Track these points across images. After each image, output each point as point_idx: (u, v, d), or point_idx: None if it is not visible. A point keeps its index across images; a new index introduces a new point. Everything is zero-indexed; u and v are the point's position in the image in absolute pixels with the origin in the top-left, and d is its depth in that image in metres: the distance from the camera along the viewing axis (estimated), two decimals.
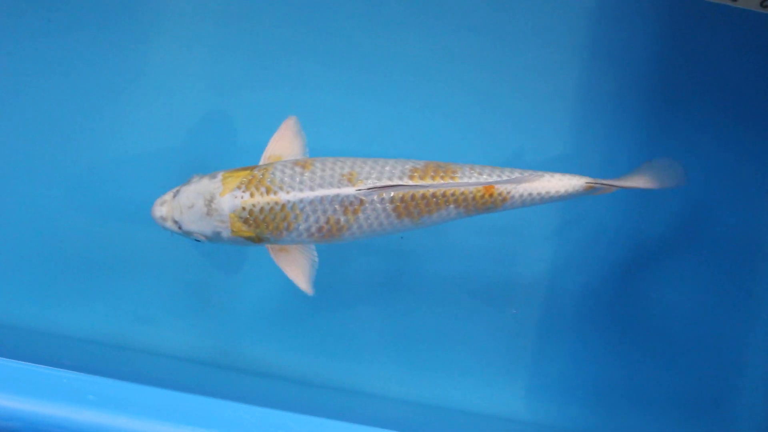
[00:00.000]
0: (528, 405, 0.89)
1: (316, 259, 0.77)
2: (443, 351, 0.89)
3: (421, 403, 0.88)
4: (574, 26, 0.90)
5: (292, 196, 0.72)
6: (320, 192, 0.73)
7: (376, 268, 0.89)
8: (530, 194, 0.76)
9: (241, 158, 0.80)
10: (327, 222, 0.73)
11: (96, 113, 0.87)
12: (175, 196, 0.74)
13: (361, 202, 0.73)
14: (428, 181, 0.74)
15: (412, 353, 0.89)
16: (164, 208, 0.74)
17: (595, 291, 0.90)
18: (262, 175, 0.73)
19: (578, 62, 0.90)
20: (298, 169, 0.73)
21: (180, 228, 0.74)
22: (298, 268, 0.76)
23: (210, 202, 0.73)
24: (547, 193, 0.77)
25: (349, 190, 0.73)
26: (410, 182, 0.73)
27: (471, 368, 0.89)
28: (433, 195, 0.74)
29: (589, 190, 0.77)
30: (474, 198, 0.75)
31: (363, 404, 0.86)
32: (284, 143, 0.77)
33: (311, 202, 0.73)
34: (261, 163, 0.77)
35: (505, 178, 0.75)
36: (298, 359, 0.88)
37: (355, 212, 0.73)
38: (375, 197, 0.73)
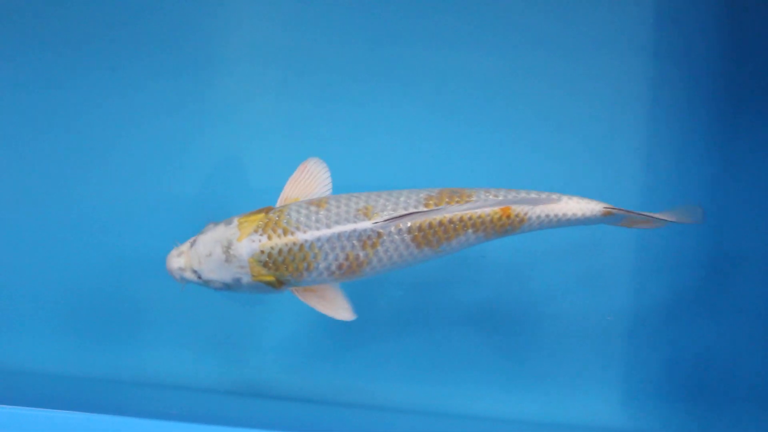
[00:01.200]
0: (623, 412, 0.89)
1: (344, 296, 0.76)
2: (534, 365, 0.89)
3: (516, 420, 0.88)
4: (636, 31, 0.91)
5: (310, 235, 0.72)
6: (337, 229, 0.72)
7: (448, 280, 0.90)
8: (548, 216, 0.76)
9: (256, 203, 0.80)
10: (346, 258, 0.73)
11: (99, 162, 0.90)
12: (192, 245, 0.74)
13: (379, 235, 0.72)
14: (443, 206, 0.73)
15: (486, 371, 0.89)
16: (182, 259, 0.74)
17: (683, 291, 0.89)
18: (278, 216, 0.73)
19: (643, 67, 0.91)
20: (313, 208, 0.73)
21: (200, 278, 0.73)
22: (329, 302, 0.75)
23: (228, 248, 0.72)
24: (564, 215, 0.76)
25: (365, 224, 0.72)
26: (425, 209, 0.73)
27: (562, 379, 0.89)
28: (450, 221, 0.74)
29: (607, 216, 0.77)
30: (492, 221, 0.75)
31: (449, 425, 0.86)
32: (302, 185, 0.77)
33: (329, 239, 0.72)
34: (277, 205, 0.76)
35: (521, 198, 0.75)
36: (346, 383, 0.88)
37: (374, 246, 0.73)
38: (392, 229, 0.73)
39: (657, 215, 0.78)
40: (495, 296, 0.90)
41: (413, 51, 0.91)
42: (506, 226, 0.75)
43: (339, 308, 0.75)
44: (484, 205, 0.74)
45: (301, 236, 0.72)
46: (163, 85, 0.90)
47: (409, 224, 0.73)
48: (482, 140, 0.91)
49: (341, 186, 0.77)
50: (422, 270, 0.86)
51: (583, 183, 0.89)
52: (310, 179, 0.77)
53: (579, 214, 0.76)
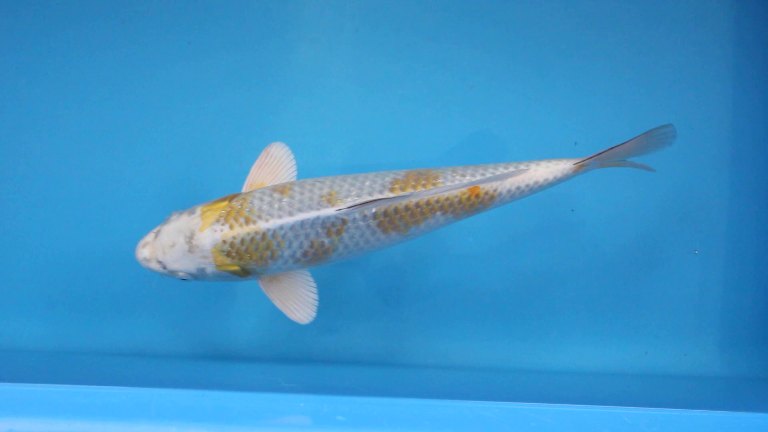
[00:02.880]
0: (720, 358, 0.88)
1: (313, 284, 0.75)
2: (632, 318, 0.89)
3: (614, 373, 0.88)
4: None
5: (272, 223, 0.71)
6: (300, 216, 0.71)
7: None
8: (518, 187, 0.74)
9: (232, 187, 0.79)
10: (311, 246, 0.71)
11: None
12: (156, 236, 0.73)
13: (343, 221, 0.71)
14: (408, 191, 0.71)
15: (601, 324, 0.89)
16: (146, 250, 0.73)
17: None
18: (241, 205, 0.71)
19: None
20: (277, 195, 0.72)
21: (165, 268, 0.72)
22: (292, 296, 0.74)
23: (190, 238, 0.71)
24: (536, 182, 0.74)
25: (329, 211, 0.71)
26: (390, 195, 0.71)
27: (657, 329, 0.89)
28: (417, 205, 0.72)
29: (579, 171, 0.74)
30: (460, 201, 0.73)
31: (557, 381, 0.86)
32: (267, 170, 0.75)
33: (292, 227, 0.71)
34: (243, 191, 0.75)
35: (489, 176, 0.73)
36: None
37: (338, 233, 0.71)
38: (357, 215, 0.71)
39: (627, 143, 0.74)
40: (589, 249, 0.88)
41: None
42: (476, 205, 0.74)
43: (300, 305, 0.74)
44: (450, 189, 0.72)
45: (263, 225, 0.71)
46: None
47: (374, 210, 0.71)
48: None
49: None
50: (515, 224, 0.87)
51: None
52: (275, 164, 0.75)
53: (551, 177, 0.74)
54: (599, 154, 0.74)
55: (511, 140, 0.88)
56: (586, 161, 0.74)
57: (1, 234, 0.88)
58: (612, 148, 0.73)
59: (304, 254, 0.72)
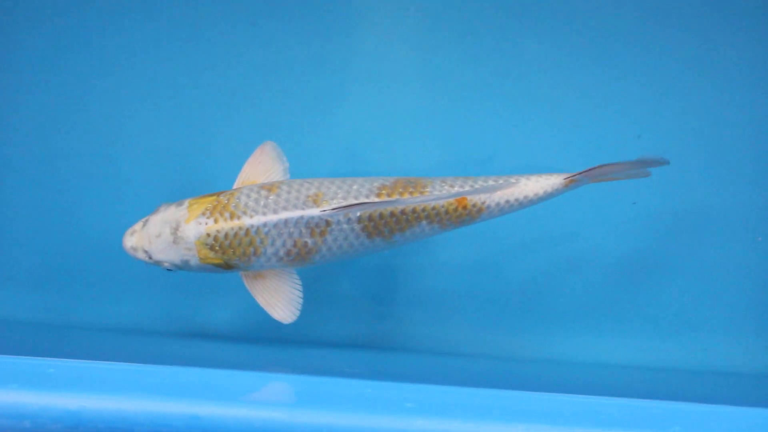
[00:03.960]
0: None
1: (299, 283, 0.75)
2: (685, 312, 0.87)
3: (667, 369, 0.87)
4: None
5: (256, 220, 0.71)
6: (284, 215, 0.71)
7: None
8: (507, 201, 0.73)
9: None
10: (294, 245, 0.72)
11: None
12: (144, 225, 0.74)
13: (327, 223, 0.71)
14: (395, 197, 0.71)
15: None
16: (134, 239, 0.73)
17: None
18: (228, 200, 0.72)
19: None
20: (264, 193, 0.72)
21: (150, 258, 0.73)
22: (272, 296, 0.74)
23: (176, 230, 0.72)
24: (526, 197, 0.74)
25: (313, 212, 0.71)
26: (376, 200, 0.71)
27: (714, 325, 0.87)
28: (403, 212, 0.72)
29: (569, 186, 0.74)
30: (447, 212, 0.73)
31: (602, 374, 0.85)
32: (260, 168, 0.76)
33: (275, 225, 0.71)
34: (233, 188, 0.75)
35: (477, 187, 0.72)
36: None
37: (322, 234, 0.71)
38: (341, 218, 0.71)
39: (619, 164, 0.74)
40: (648, 246, 0.87)
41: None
42: (463, 217, 0.73)
43: (284, 303, 0.74)
44: (438, 198, 0.71)
45: (247, 221, 0.71)
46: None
47: (359, 214, 0.71)
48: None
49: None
50: (572, 217, 0.86)
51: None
52: (268, 162, 0.76)
53: (541, 192, 0.74)
54: (589, 170, 0.73)
55: (575, 136, 0.87)
56: (576, 176, 0.73)
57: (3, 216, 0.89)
58: (602, 166, 0.73)
59: (287, 253, 0.72)
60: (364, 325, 0.87)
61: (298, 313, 0.74)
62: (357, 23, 0.88)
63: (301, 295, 0.74)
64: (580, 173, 0.73)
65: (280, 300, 0.74)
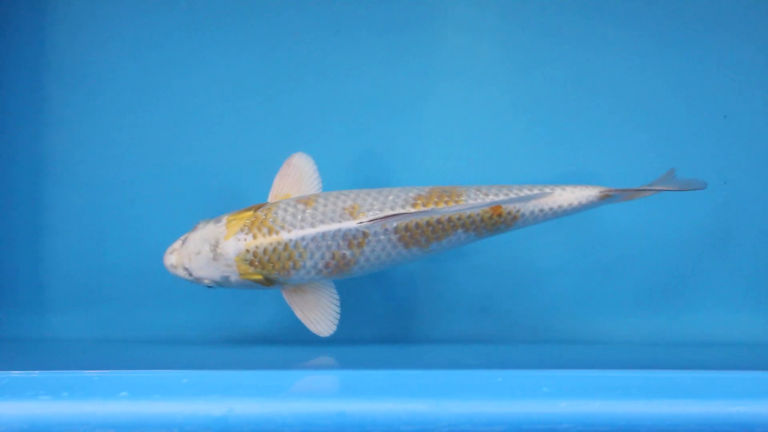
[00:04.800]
0: None
1: (336, 297, 0.76)
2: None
3: (686, 343, 0.87)
4: None
5: (294, 234, 0.72)
6: (322, 228, 0.72)
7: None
8: (542, 210, 0.74)
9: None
10: (333, 257, 0.72)
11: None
12: (183, 243, 0.74)
13: (365, 234, 0.72)
14: (430, 207, 0.72)
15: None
16: (174, 257, 0.74)
17: None
18: (265, 215, 0.73)
19: None
20: (301, 207, 0.73)
21: (191, 275, 0.74)
22: (314, 308, 0.75)
23: (215, 247, 0.73)
24: (560, 207, 0.75)
25: (350, 224, 0.72)
26: (412, 210, 0.72)
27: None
28: (439, 221, 0.73)
29: (604, 199, 0.75)
30: (482, 220, 0.73)
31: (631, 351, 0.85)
32: (289, 180, 0.77)
33: (314, 238, 0.72)
34: (268, 202, 0.76)
35: (512, 196, 0.73)
36: None
37: (360, 245, 0.72)
38: (378, 229, 0.72)
39: (655, 187, 0.76)
40: (737, 225, 0.88)
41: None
42: (498, 224, 0.74)
43: (322, 317, 0.75)
44: (473, 207, 0.72)
45: (285, 235, 0.72)
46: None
47: (395, 224, 0.72)
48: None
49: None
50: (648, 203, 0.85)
51: None
52: (297, 174, 0.77)
53: (575, 203, 0.75)
54: (625, 190, 0.75)
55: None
56: (612, 191, 0.74)
57: (53, 238, 0.89)
58: (639, 189, 0.76)
59: (326, 265, 0.73)
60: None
61: (334, 327, 0.75)
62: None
63: (338, 309, 0.75)
64: (617, 190, 0.75)
65: (318, 314, 0.75)
